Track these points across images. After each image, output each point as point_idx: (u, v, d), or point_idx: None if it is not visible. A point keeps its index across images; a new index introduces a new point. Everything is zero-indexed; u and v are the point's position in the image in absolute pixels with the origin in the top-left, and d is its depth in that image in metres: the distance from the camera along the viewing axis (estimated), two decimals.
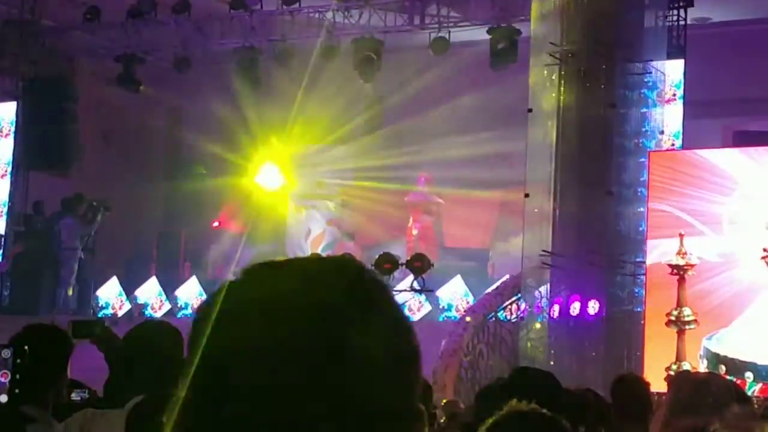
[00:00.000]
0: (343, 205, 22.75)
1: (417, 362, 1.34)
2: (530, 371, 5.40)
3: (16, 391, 4.19)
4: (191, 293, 20.01)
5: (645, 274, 14.57)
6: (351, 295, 1.30)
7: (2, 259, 20.45)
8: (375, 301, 1.32)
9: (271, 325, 1.26)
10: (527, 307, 15.30)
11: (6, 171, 20.69)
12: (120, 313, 19.94)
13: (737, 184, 14.24)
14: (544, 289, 14.96)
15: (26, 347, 4.30)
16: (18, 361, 4.21)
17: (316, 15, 19.43)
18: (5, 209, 20.58)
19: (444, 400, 11.66)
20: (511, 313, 16.52)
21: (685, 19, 16.26)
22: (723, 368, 13.41)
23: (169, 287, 20.36)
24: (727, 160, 14.50)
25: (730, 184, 14.28)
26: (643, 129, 15.34)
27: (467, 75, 19.60)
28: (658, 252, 14.42)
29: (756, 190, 14.11)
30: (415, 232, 21.70)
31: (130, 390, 4.38)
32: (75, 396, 6.37)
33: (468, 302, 18.22)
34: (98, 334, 5.53)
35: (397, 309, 1.35)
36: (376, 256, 16.52)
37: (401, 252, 18.54)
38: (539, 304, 15.02)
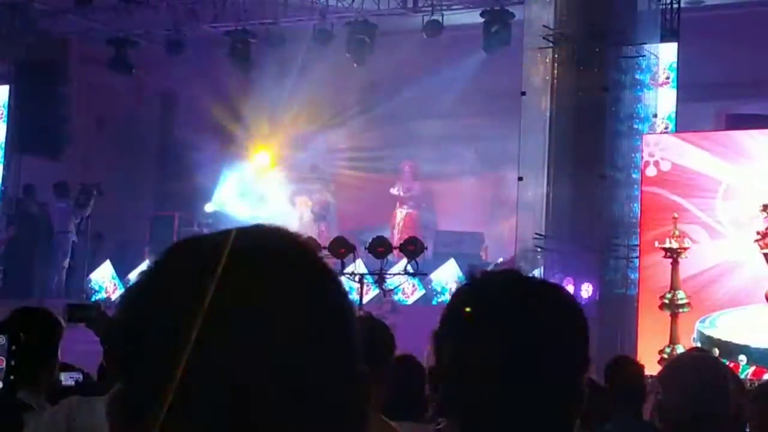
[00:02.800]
0: (331, 188, 22.72)
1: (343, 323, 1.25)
2: None
3: (12, 377, 4.18)
4: None
5: (638, 257, 14.58)
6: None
7: None
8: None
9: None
10: None
11: None
12: (113, 297, 19.93)
13: (731, 166, 14.23)
14: (537, 272, 14.96)
15: (21, 334, 4.29)
16: (13, 347, 4.20)
17: None
18: None
19: None
20: None
21: (678, 2, 16.24)
22: (716, 351, 13.42)
23: None
24: (703, 165, 14.44)
25: (724, 166, 14.27)
26: (637, 112, 15.33)
27: (460, 58, 19.58)
28: (651, 235, 14.42)
29: (750, 174, 14.10)
30: (399, 219, 21.69)
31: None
32: (69, 380, 6.36)
33: None
34: (94, 317, 5.52)
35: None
36: (369, 240, 16.51)
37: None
38: None
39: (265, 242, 1.25)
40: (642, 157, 14.69)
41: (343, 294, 1.28)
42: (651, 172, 14.58)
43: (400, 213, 21.82)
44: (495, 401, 1.88)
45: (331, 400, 1.21)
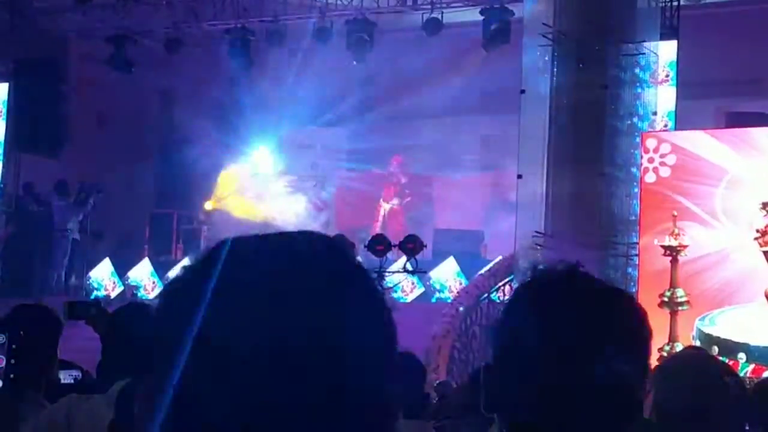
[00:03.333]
0: (330, 186, 22.72)
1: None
2: None
3: (12, 375, 4.18)
4: None
5: (638, 255, 14.57)
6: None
7: None
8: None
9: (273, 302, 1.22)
10: None
11: None
12: (113, 295, 19.94)
13: (728, 167, 14.22)
14: None
15: (21, 332, 4.28)
16: (13, 346, 4.19)
17: None
18: None
19: (437, 381, 11.66)
20: (504, 295, 16.53)
21: (678, 0, 16.24)
22: (716, 349, 13.43)
23: (161, 268, 20.35)
24: (710, 152, 14.44)
25: (716, 174, 14.25)
26: (636, 110, 15.32)
27: (460, 56, 19.58)
28: (652, 233, 14.42)
29: (748, 172, 14.09)
30: (383, 212, 21.69)
31: (119, 372, 4.37)
32: (68, 377, 6.36)
33: (461, 283, 18.23)
34: (93, 314, 5.52)
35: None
36: (368, 238, 16.50)
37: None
38: None
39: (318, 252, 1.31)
40: (641, 163, 14.67)
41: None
42: (650, 178, 14.57)
43: (384, 207, 21.79)
44: (545, 401, 1.87)
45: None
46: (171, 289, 1.29)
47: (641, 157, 14.69)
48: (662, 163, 14.51)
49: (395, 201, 21.95)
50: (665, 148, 14.54)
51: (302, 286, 1.23)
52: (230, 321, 1.20)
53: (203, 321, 1.20)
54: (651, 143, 14.69)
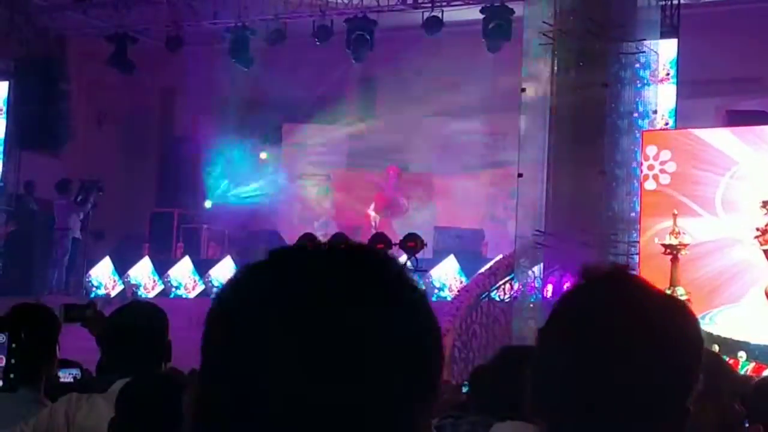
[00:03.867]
0: (330, 184, 22.72)
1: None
2: (519, 349, 5.37)
3: (12, 375, 4.18)
4: (184, 273, 20.02)
5: (638, 254, 14.58)
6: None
7: None
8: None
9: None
10: (521, 286, 15.31)
11: None
12: (113, 293, 19.92)
13: (730, 164, 14.23)
14: (537, 268, 14.97)
15: (21, 331, 4.28)
16: (13, 345, 4.19)
17: None
18: None
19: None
20: (505, 293, 16.53)
21: None
22: (716, 348, 13.44)
23: (162, 267, 20.35)
24: (721, 141, 14.48)
25: (723, 164, 14.27)
26: (637, 108, 15.33)
27: (460, 54, 19.56)
28: (652, 232, 14.43)
29: (749, 170, 14.10)
30: (373, 223, 21.68)
31: (119, 371, 4.37)
32: (67, 376, 6.36)
33: (461, 282, 18.22)
34: (89, 316, 5.51)
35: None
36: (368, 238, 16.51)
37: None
38: (532, 284, 15.03)
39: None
40: (641, 170, 14.65)
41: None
42: (650, 185, 14.57)
43: (374, 217, 21.79)
44: (581, 406, 1.85)
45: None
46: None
47: (641, 163, 14.69)
48: (662, 170, 14.51)
49: (385, 212, 21.97)
50: (665, 155, 14.53)
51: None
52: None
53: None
54: (651, 150, 14.67)
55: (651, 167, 14.57)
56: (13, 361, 4.18)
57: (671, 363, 1.84)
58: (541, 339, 1.96)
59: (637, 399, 1.82)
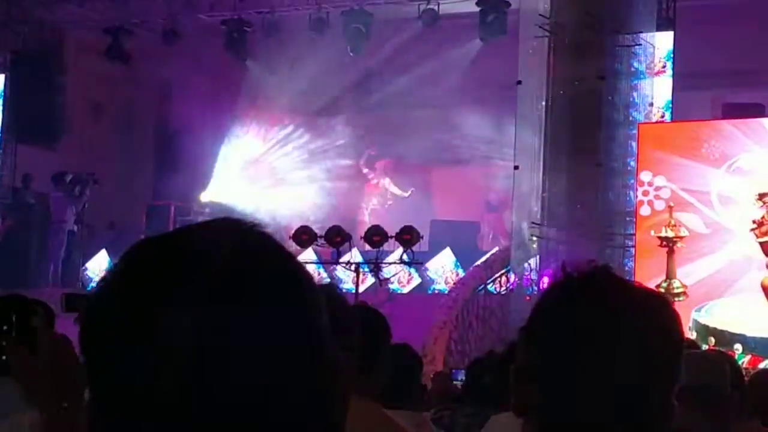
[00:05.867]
0: (326, 177, 22.72)
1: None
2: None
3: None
4: None
5: (634, 246, 14.60)
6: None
7: None
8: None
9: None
10: (516, 279, 15.33)
11: None
12: None
13: (726, 157, 14.25)
14: (533, 261, 14.99)
15: (14, 325, 4.27)
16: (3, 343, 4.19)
17: None
18: None
19: (433, 372, 11.69)
20: (501, 286, 16.56)
21: None
22: (712, 340, 13.48)
23: None
24: (717, 133, 14.50)
25: (719, 156, 14.29)
26: (633, 101, 15.34)
27: (456, 47, 19.57)
28: (648, 224, 14.45)
29: (745, 163, 14.12)
30: (366, 215, 21.70)
31: None
32: None
33: (457, 275, 18.24)
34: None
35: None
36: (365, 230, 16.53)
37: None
38: (528, 277, 15.06)
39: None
40: (636, 196, 14.65)
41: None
42: (645, 211, 14.57)
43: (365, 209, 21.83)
44: (572, 403, 1.85)
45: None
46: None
47: (636, 189, 14.67)
48: (657, 197, 14.53)
49: (375, 201, 22.01)
50: (660, 181, 14.53)
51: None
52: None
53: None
54: (645, 176, 14.63)
55: (646, 192, 14.56)
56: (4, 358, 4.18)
57: (652, 361, 1.85)
58: (523, 338, 1.97)
59: (619, 399, 1.83)
